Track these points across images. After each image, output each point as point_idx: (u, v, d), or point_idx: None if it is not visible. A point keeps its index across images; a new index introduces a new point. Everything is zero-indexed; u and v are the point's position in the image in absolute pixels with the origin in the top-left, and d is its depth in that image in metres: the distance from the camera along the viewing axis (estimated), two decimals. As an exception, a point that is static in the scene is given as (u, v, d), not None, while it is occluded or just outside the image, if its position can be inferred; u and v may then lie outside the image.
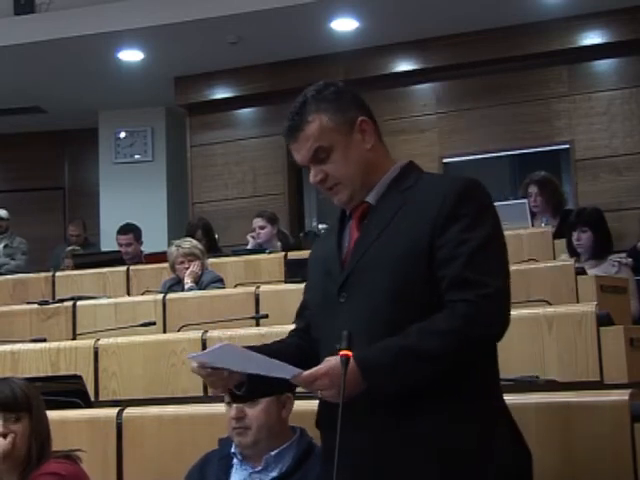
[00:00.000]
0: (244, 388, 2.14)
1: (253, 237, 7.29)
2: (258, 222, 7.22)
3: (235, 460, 2.69)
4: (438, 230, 2.02)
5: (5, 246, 8.82)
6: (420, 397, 1.98)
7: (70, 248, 8.11)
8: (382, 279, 2.05)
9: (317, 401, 2.73)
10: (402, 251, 2.04)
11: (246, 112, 9.53)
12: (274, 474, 2.61)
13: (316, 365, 2.13)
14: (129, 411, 3.18)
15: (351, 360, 1.94)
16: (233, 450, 2.69)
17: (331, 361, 1.97)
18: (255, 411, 2.60)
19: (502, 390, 2.13)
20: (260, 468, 2.63)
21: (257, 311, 4.95)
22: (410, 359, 1.95)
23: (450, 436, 1.97)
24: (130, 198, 9.78)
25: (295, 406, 2.72)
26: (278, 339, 2.34)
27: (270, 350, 2.14)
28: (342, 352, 1.97)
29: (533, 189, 6.66)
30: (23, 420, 2.68)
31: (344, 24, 8.23)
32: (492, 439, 2.01)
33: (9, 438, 2.64)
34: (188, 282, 5.71)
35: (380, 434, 2.02)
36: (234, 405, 2.61)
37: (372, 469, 2.03)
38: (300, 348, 2.24)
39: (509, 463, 2.02)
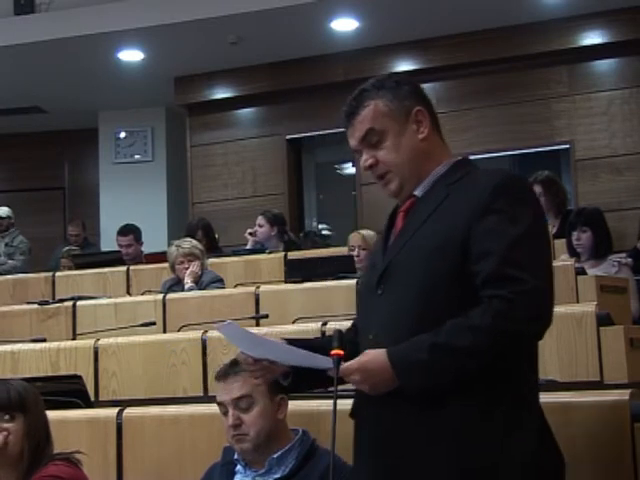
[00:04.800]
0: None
1: (251, 234, 7.29)
2: (258, 220, 7.22)
3: (239, 466, 2.69)
4: (473, 224, 2.00)
5: (6, 245, 8.80)
6: (449, 393, 1.96)
7: (67, 248, 8.10)
8: (414, 273, 2.04)
9: (315, 401, 2.75)
10: (434, 245, 2.02)
11: (246, 112, 9.53)
12: (277, 475, 2.61)
13: None
14: (129, 411, 3.18)
15: (384, 356, 1.96)
16: (236, 457, 2.69)
17: (366, 355, 2.00)
18: (251, 417, 2.60)
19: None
20: (263, 471, 2.63)
21: (257, 311, 4.95)
22: (442, 356, 1.93)
23: (472, 434, 1.95)
24: (130, 198, 9.78)
25: (294, 406, 2.72)
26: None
27: (321, 344, 2.18)
28: (333, 352, 2.01)
29: (537, 188, 6.63)
30: (17, 420, 2.68)
31: (344, 24, 8.23)
32: (515, 439, 1.97)
33: (1, 436, 2.66)
34: (188, 282, 5.70)
35: (402, 426, 2.01)
36: (230, 413, 2.62)
37: (389, 456, 2.03)
38: (352, 342, 2.22)
39: (535, 464, 1.98)
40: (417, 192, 2.15)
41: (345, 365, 2.00)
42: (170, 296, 5.37)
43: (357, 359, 2.00)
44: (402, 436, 2.01)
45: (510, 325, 1.92)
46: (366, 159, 2.15)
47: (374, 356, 1.98)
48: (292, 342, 2.17)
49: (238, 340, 2.16)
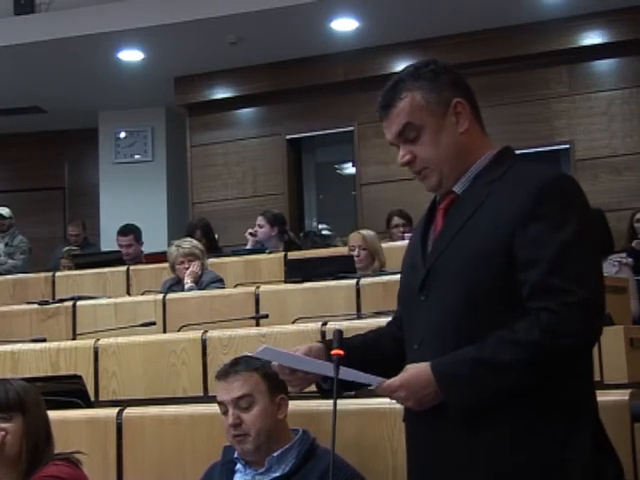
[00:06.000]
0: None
1: (251, 234, 7.29)
2: (258, 220, 7.22)
3: (239, 464, 2.69)
4: (518, 230, 1.91)
5: (6, 244, 8.81)
6: (490, 408, 1.90)
7: (67, 248, 8.10)
8: (458, 279, 1.97)
9: (314, 401, 2.75)
10: (478, 249, 1.95)
11: (246, 112, 9.54)
12: (277, 474, 2.61)
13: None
14: (129, 411, 3.18)
15: (427, 369, 1.91)
16: (236, 455, 2.69)
17: (408, 371, 1.95)
18: (251, 416, 2.61)
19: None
20: (263, 470, 2.63)
21: (257, 311, 4.94)
22: (485, 370, 1.87)
23: (505, 455, 1.90)
24: (130, 198, 9.79)
25: (294, 406, 2.72)
26: (375, 329, 2.29)
27: (365, 344, 2.15)
28: (333, 352, 1.98)
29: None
30: (15, 420, 2.68)
31: (344, 24, 8.23)
32: (565, 456, 1.90)
33: None
34: (188, 282, 5.70)
35: (443, 440, 1.96)
36: (230, 413, 2.62)
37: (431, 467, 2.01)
38: (396, 339, 2.19)
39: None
40: (456, 189, 2.06)
41: (387, 382, 1.94)
42: (170, 296, 5.36)
43: (400, 376, 1.94)
44: (443, 450, 1.96)
45: (557, 340, 1.85)
46: (403, 155, 2.07)
47: (417, 371, 1.93)
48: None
49: (276, 359, 2.12)
